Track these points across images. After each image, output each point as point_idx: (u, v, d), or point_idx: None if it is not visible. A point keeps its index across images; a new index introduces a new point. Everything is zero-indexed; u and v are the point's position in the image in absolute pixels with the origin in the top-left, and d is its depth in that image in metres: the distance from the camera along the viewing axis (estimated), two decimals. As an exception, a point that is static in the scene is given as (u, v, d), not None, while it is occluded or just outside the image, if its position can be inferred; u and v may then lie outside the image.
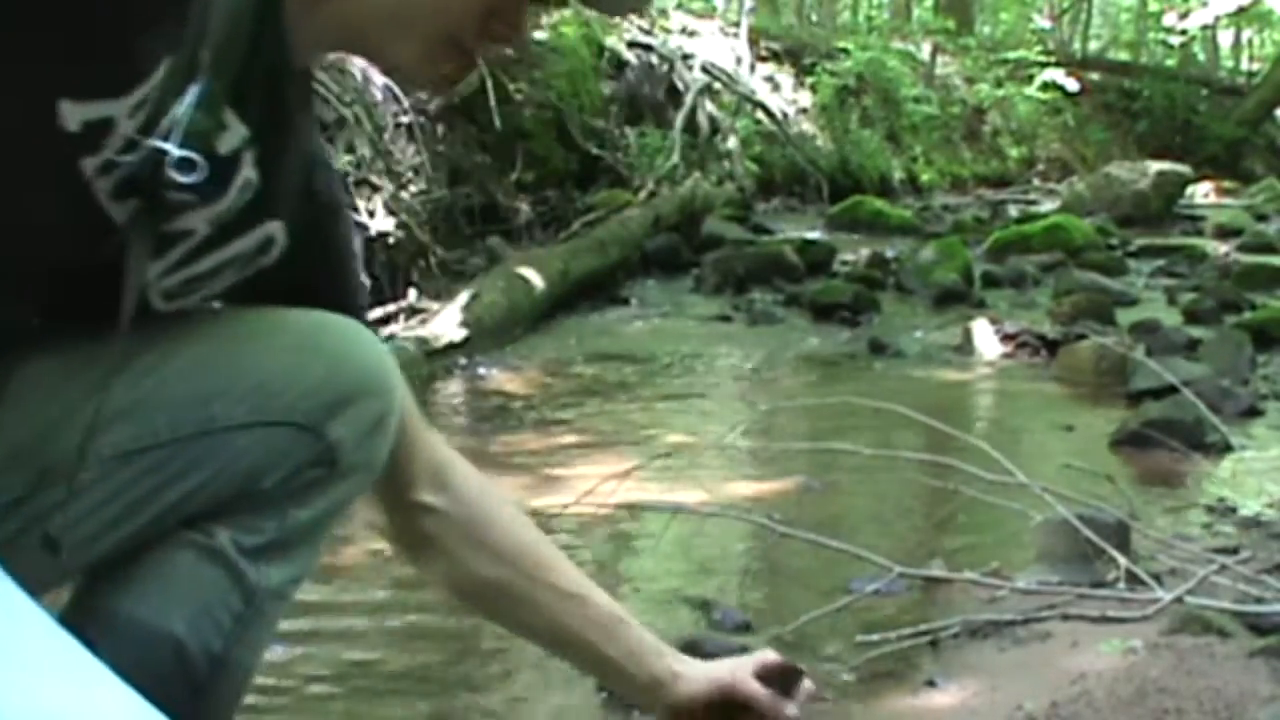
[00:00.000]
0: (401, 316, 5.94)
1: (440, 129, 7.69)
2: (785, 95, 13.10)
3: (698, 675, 1.43)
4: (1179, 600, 2.48)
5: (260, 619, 1.21)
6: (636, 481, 3.27)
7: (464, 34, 1.12)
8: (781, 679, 1.43)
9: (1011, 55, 16.67)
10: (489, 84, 7.88)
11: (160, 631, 1.16)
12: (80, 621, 1.19)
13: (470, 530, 1.39)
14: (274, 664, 2.41)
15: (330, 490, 1.20)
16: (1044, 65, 16.27)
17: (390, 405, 1.23)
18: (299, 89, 1.18)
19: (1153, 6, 21.38)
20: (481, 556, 1.39)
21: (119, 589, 1.18)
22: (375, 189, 6.28)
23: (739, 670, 1.45)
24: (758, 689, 1.43)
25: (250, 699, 1.36)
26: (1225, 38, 23.50)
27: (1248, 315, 6.70)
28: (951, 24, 16.23)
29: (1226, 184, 14.63)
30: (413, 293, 6.21)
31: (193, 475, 1.15)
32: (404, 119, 7.15)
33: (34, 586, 1.18)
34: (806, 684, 1.45)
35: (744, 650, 2.38)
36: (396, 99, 7.16)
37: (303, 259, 1.21)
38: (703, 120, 10.82)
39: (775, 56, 13.50)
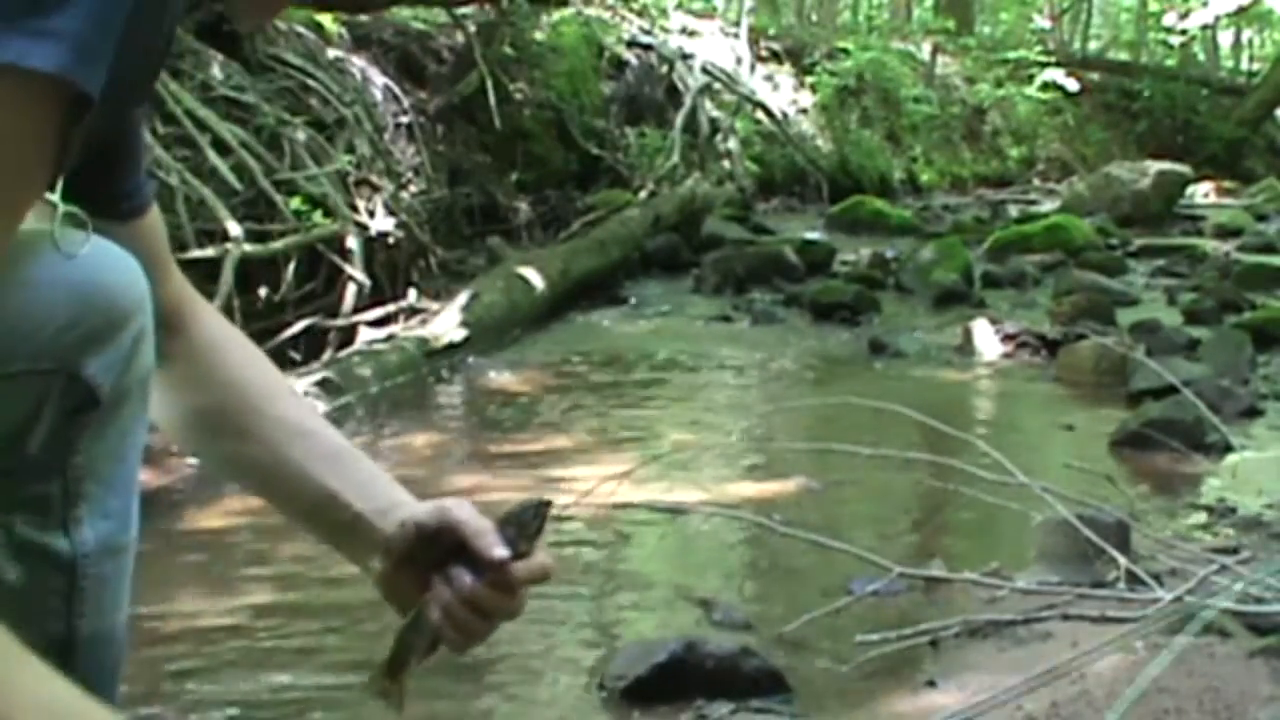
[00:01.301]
0: (401, 316, 5.94)
1: (440, 129, 7.69)
2: (785, 95, 13.10)
3: (420, 507, 1.22)
4: (1179, 600, 2.48)
5: (96, 583, 1.14)
6: (636, 481, 3.27)
7: None
8: (519, 525, 1.18)
9: (1011, 55, 16.67)
10: (489, 84, 7.88)
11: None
12: None
13: (194, 366, 1.28)
14: (275, 662, 2.41)
15: (107, 426, 1.13)
16: (1044, 65, 16.28)
17: (144, 320, 1.14)
18: None
19: (1153, 6, 21.38)
20: (202, 389, 1.28)
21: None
22: (375, 189, 6.28)
23: (465, 505, 1.22)
24: (470, 517, 1.19)
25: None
26: (1225, 38, 23.51)
27: (1248, 315, 6.70)
28: (951, 24, 16.24)
29: (1226, 184, 14.63)
30: (413, 293, 6.21)
31: None
32: (404, 119, 7.15)
33: None
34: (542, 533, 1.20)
35: (744, 650, 2.39)
36: (396, 99, 7.16)
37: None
38: (703, 120, 10.83)
39: (775, 56, 13.51)
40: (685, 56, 11.34)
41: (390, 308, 5.96)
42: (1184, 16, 18.58)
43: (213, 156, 5.43)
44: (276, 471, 1.25)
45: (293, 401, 1.31)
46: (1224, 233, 10.56)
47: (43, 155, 0.89)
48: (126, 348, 1.12)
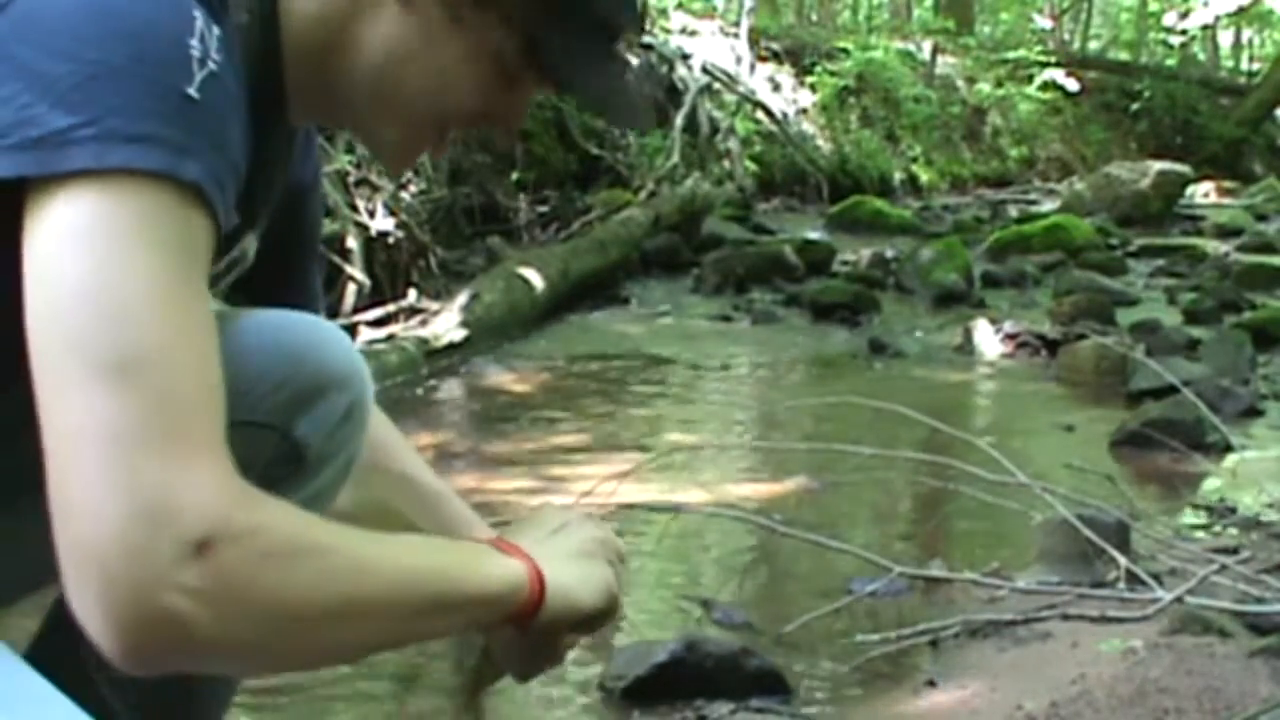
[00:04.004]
0: (401, 316, 5.94)
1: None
2: (785, 95, 13.10)
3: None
4: (1179, 600, 2.48)
5: None
6: (636, 481, 3.27)
7: (452, 124, 1.12)
8: None
9: (1011, 55, 16.67)
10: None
11: None
12: (65, 610, 1.19)
13: None
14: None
15: (303, 484, 1.19)
16: (1044, 65, 16.28)
17: (358, 394, 1.22)
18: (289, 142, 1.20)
19: (1153, 6, 21.38)
20: None
21: None
22: (375, 189, 6.28)
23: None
24: None
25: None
26: (1225, 38, 23.50)
27: (1248, 315, 6.70)
28: (951, 24, 16.23)
29: (1226, 184, 14.62)
30: (413, 293, 6.21)
31: None
32: (404, 119, 7.14)
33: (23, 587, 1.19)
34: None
35: (744, 650, 2.39)
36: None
37: (271, 261, 1.22)
38: (703, 120, 10.82)
39: (775, 56, 13.50)
40: (685, 56, 11.34)
41: (390, 308, 5.97)
42: (1184, 16, 18.57)
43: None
44: (383, 518, 1.34)
45: (402, 451, 1.39)
46: (1224, 233, 10.56)
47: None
48: (337, 413, 1.20)
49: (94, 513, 0.80)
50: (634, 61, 10.64)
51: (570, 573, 1.08)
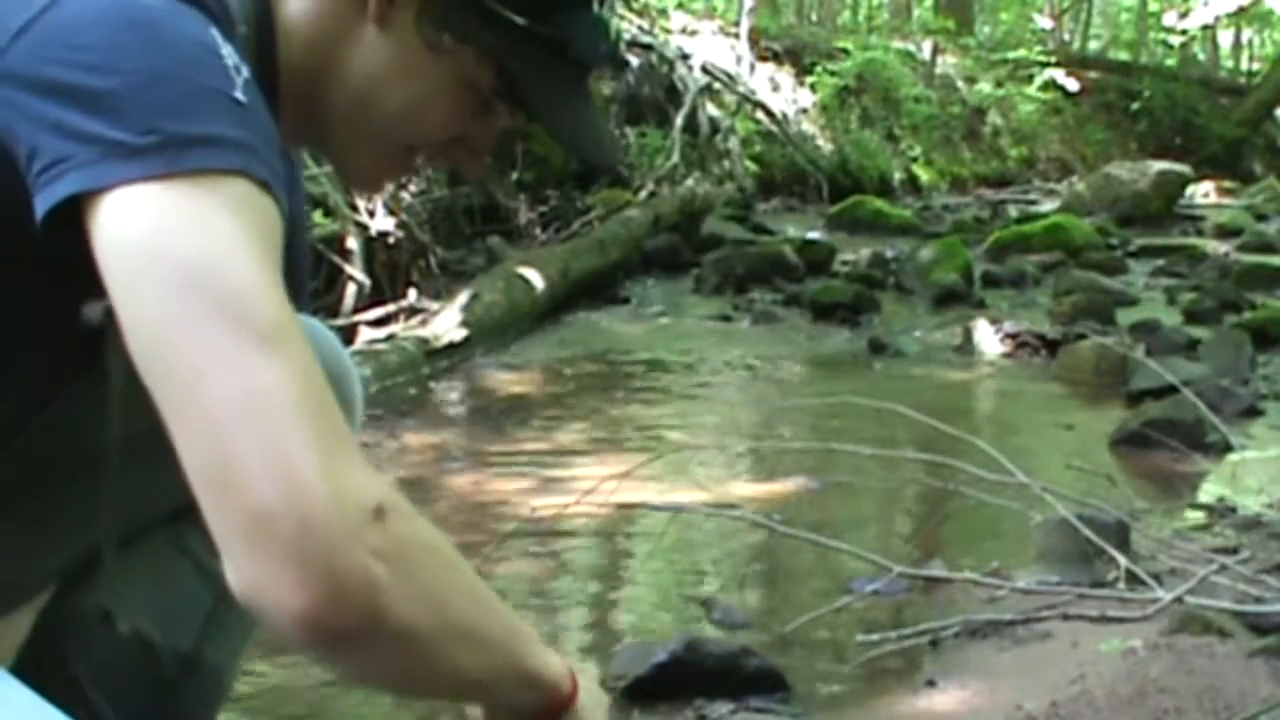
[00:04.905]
0: (401, 316, 5.94)
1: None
2: (785, 95, 13.10)
3: None
4: (1179, 600, 2.48)
5: (234, 618, 1.19)
6: (636, 481, 3.27)
7: (423, 149, 1.14)
8: None
9: (1011, 55, 16.67)
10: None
11: (127, 629, 1.17)
12: (53, 620, 1.20)
13: None
14: (274, 661, 2.41)
15: None
16: (1044, 65, 16.27)
17: (346, 397, 1.22)
18: None
19: (1153, 6, 21.38)
20: None
21: (92, 587, 1.18)
22: (375, 189, 6.28)
23: None
24: None
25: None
26: (1225, 38, 23.49)
27: (1248, 315, 6.70)
28: (951, 24, 16.22)
29: (1226, 184, 14.62)
30: (413, 293, 6.21)
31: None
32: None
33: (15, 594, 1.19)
34: None
35: (744, 650, 2.39)
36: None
37: None
38: (703, 120, 10.82)
39: (775, 56, 13.50)
40: (685, 56, 11.34)
41: (390, 308, 5.97)
42: (1184, 16, 18.57)
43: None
44: None
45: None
46: (1224, 233, 10.55)
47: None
48: None
49: (268, 478, 0.80)
50: (634, 62, 10.64)
51: (598, 701, 1.10)
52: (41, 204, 0.85)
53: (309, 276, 1.35)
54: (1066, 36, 21.94)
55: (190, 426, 0.82)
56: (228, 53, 0.90)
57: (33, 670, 1.09)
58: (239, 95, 0.89)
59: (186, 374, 0.82)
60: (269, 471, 0.80)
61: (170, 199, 0.84)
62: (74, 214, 0.85)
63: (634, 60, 10.74)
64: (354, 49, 1.06)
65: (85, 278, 0.86)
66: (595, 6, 1.10)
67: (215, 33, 0.91)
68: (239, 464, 0.80)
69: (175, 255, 0.83)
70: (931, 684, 2.36)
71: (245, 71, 0.91)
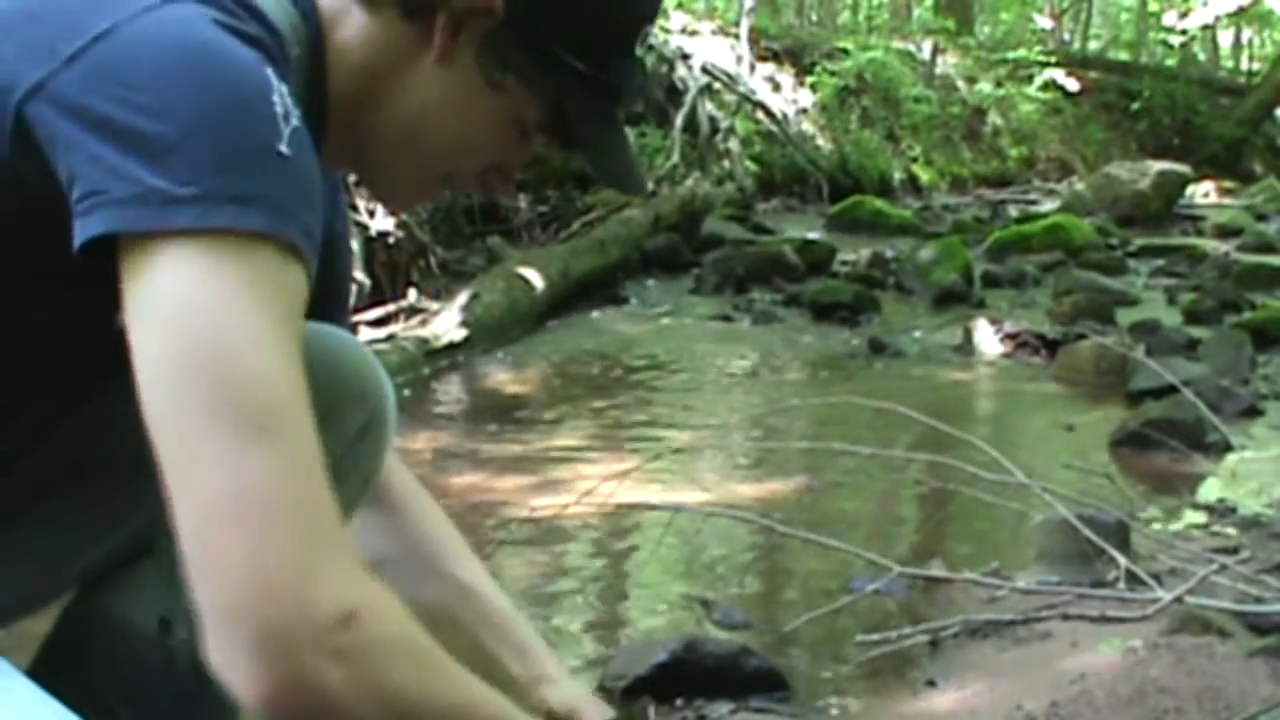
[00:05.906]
0: (401, 316, 5.94)
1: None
2: (785, 95, 13.10)
3: (564, 693, 1.43)
4: (1179, 600, 2.48)
5: None
6: (636, 481, 3.27)
7: (459, 176, 1.16)
8: None
9: (1011, 55, 16.67)
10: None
11: (147, 633, 1.17)
12: (73, 621, 1.20)
13: (386, 516, 1.41)
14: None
15: None
16: (1044, 65, 16.28)
17: (377, 409, 1.25)
18: None
19: (1153, 6, 21.38)
20: (391, 538, 1.41)
21: (113, 591, 1.19)
22: (375, 189, 6.28)
23: (596, 710, 1.45)
24: None
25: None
26: (1225, 38, 23.50)
27: (1248, 315, 6.70)
28: (951, 24, 16.22)
29: (1226, 184, 14.62)
30: (413, 293, 6.20)
31: None
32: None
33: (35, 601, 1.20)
34: None
35: (744, 650, 2.39)
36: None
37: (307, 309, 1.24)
38: (703, 120, 10.82)
39: (775, 56, 13.50)
40: (685, 56, 11.33)
41: (390, 308, 5.96)
42: (1184, 16, 18.56)
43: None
44: (439, 627, 1.40)
45: (465, 560, 1.44)
46: (1224, 233, 10.55)
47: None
48: (351, 430, 1.23)
49: (244, 575, 0.82)
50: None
51: None
52: (79, 233, 0.86)
53: (349, 292, 1.35)
54: (1066, 36, 21.94)
55: (180, 498, 0.84)
56: (279, 97, 0.90)
57: (50, 670, 1.10)
58: (283, 148, 0.89)
59: (182, 453, 0.84)
60: (245, 569, 0.82)
61: (196, 258, 0.85)
62: (108, 243, 0.86)
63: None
64: (409, 80, 1.07)
65: (118, 292, 0.87)
66: (638, 50, 1.13)
67: (270, 73, 0.91)
68: (219, 555, 0.83)
69: (187, 322, 0.84)
70: (931, 684, 2.36)
71: (295, 118, 0.91)
